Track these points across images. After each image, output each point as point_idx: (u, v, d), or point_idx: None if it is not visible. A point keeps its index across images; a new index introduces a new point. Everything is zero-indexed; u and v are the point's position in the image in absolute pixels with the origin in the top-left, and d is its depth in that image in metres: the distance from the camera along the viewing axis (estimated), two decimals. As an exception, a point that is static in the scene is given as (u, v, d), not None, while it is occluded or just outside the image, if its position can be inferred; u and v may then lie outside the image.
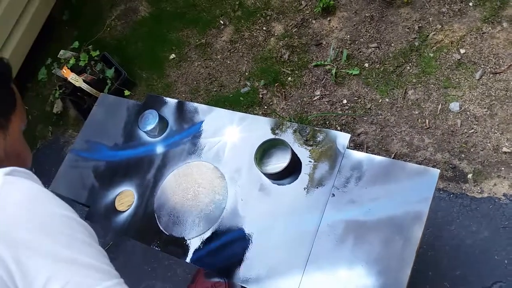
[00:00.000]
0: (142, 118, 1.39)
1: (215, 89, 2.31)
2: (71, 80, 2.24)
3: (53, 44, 2.92)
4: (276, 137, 1.22)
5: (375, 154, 1.79)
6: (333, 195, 1.09)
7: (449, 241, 1.56)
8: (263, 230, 1.12)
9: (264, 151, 1.20)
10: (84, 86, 2.26)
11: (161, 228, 1.24)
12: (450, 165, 1.68)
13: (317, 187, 1.11)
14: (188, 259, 1.17)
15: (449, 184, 1.66)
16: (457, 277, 1.50)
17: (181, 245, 1.19)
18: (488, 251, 1.50)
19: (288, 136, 1.22)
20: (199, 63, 2.42)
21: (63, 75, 2.27)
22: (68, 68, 2.26)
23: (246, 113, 2.03)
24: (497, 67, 1.76)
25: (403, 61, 1.93)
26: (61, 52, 2.48)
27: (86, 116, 2.41)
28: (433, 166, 1.73)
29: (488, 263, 1.49)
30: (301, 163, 1.16)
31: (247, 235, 1.13)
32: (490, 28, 1.83)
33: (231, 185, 1.22)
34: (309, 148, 1.17)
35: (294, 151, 1.16)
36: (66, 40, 2.88)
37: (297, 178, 1.15)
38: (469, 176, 1.64)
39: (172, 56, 2.51)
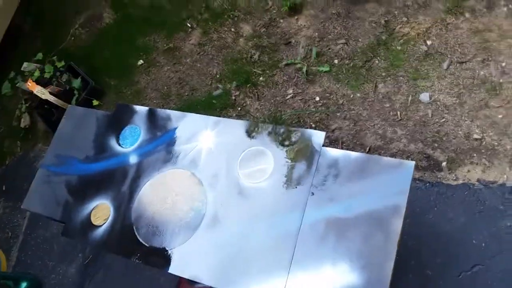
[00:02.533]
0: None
1: (186, 93, 2.28)
2: (37, 93, 2.17)
3: (16, 56, 2.82)
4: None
5: (350, 149, 1.81)
6: (312, 194, 1.08)
7: (428, 229, 1.58)
8: (245, 233, 1.11)
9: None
10: (51, 98, 2.19)
11: (141, 240, 1.21)
12: (424, 155, 1.70)
13: (296, 187, 1.11)
14: (170, 270, 1.14)
15: (424, 174, 1.68)
16: (438, 264, 1.53)
17: (162, 255, 1.17)
18: (466, 236, 1.53)
19: (263, 138, 1.21)
20: (169, 67, 2.39)
21: (28, 88, 2.20)
22: (33, 81, 2.19)
23: (220, 116, 2.02)
24: (463, 56, 1.80)
25: (372, 55, 1.95)
26: (25, 64, 2.40)
27: (55, 129, 2.34)
28: (408, 157, 1.76)
29: (467, 248, 1.52)
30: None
31: (229, 240, 1.12)
32: (453, 19, 1.87)
33: (210, 190, 1.20)
34: (286, 148, 1.17)
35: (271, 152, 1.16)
36: (29, 51, 2.78)
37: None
38: (443, 164, 1.67)
39: (140, 62, 2.47)
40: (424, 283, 1.51)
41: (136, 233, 1.23)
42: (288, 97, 2.02)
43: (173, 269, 1.15)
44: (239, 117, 2.07)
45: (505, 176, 1.58)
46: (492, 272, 1.45)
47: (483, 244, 1.51)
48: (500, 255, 1.47)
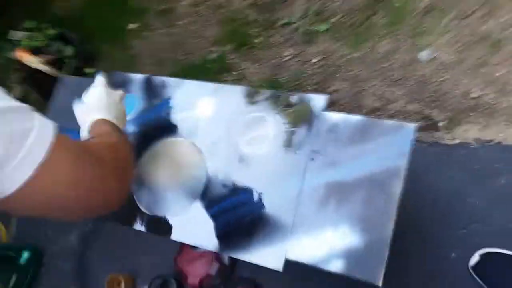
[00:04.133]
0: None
1: (181, 58, 2.24)
2: (27, 62, 2.12)
3: (3, 24, 2.74)
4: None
5: (348, 111, 1.80)
6: (312, 159, 1.09)
7: (425, 189, 1.61)
8: (245, 200, 1.12)
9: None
10: (42, 67, 2.15)
11: (142, 208, 1.22)
12: (422, 115, 1.70)
13: (296, 152, 1.11)
14: (172, 237, 1.16)
15: (422, 134, 1.68)
16: (436, 222, 1.56)
17: (164, 223, 1.18)
18: (463, 195, 1.56)
19: (262, 104, 1.20)
20: (162, 31, 2.33)
21: (18, 58, 2.15)
22: (23, 50, 2.14)
23: (216, 80, 1.99)
24: (463, 12, 1.76)
25: (371, 13, 1.90)
26: (11, 32, 2.33)
27: (48, 98, 2.31)
28: (405, 118, 1.76)
29: (464, 206, 1.55)
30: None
31: (230, 206, 1.13)
32: (453, -28, 1.81)
33: (210, 158, 1.20)
34: (285, 113, 1.16)
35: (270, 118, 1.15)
36: (17, 18, 2.69)
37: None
38: (441, 124, 1.67)
39: (133, 26, 2.40)
40: (421, 242, 1.55)
41: (137, 202, 1.24)
42: (285, 59, 1.99)
43: (175, 236, 1.17)
44: (235, 81, 2.05)
45: (501, 135, 1.58)
46: (488, 229, 1.48)
47: (478, 202, 1.54)
48: (496, 212, 1.50)
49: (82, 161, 0.69)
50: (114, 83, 1.41)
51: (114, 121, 1.02)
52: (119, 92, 1.15)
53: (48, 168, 0.60)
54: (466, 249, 1.47)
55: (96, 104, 1.06)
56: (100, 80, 1.14)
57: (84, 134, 1.02)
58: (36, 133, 0.60)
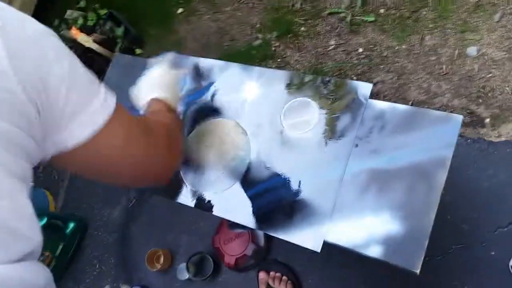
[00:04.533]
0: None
1: (226, 44, 2.28)
2: (80, 41, 2.22)
3: (60, 4, 2.86)
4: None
5: (392, 102, 1.79)
6: (356, 145, 1.10)
7: (467, 184, 1.59)
8: (287, 182, 1.15)
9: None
10: (95, 46, 2.24)
11: (187, 185, 1.27)
12: (468, 111, 1.67)
13: (339, 138, 1.13)
14: (214, 212, 1.21)
15: (466, 129, 1.66)
16: (475, 219, 1.54)
17: (207, 199, 1.23)
18: (505, 194, 1.53)
19: (308, 89, 1.22)
20: (208, 16, 2.38)
21: (72, 36, 2.25)
22: (77, 29, 2.23)
23: (260, 66, 2.02)
24: (518, 7, 1.71)
25: (420, 5, 1.87)
26: (68, 12, 2.44)
27: (98, 76, 2.41)
28: (451, 112, 1.73)
29: (505, 205, 1.52)
30: (323, 115, 1.17)
31: (272, 187, 1.16)
32: (510, -34, 1.76)
33: (253, 140, 1.24)
34: (331, 99, 1.18)
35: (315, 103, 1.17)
36: (70, -1, 2.82)
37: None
38: (487, 120, 1.64)
39: (180, 10, 2.46)
40: (459, 237, 1.54)
41: (183, 178, 1.29)
42: (330, 48, 1.99)
43: (217, 211, 1.21)
44: (278, 68, 2.07)
45: (551, 134, 1.54)
46: (530, 229, 1.46)
47: (522, 202, 1.51)
48: (540, 212, 1.47)
49: (137, 133, 0.74)
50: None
51: (169, 100, 1.07)
52: (181, 72, 1.19)
53: (107, 132, 0.64)
54: (506, 248, 1.45)
55: (157, 82, 1.11)
56: (168, 58, 1.18)
57: (140, 111, 1.07)
58: (102, 97, 0.65)
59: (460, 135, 1.65)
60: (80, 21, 2.35)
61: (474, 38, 1.74)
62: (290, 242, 1.08)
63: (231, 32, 2.28)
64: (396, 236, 1.00)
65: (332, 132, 1.14)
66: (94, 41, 2.24)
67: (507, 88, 1.64)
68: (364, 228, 1.03)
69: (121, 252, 2.11)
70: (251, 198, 1.18)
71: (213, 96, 1.35)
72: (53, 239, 2.13)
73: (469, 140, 1.64)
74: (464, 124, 1.66)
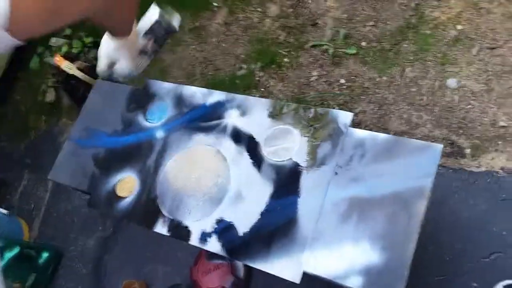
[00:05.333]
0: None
1: (210, 73, 2.30)
2: (64, 68, 2.21)
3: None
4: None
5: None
6: (336, 173, 1.09)
7: (448, 215, 1.58)
8: (266, 210, 1.13)
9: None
10: (78, 74, 2.23)
11: (165, 213, 1.24)
12: (449, 141, 1.69)
13: (320, 166, 1.12)
14: (192, 242, 1.17)
15: (447, 160, 1.67)
16: (457, 250, 1.52)
17: (185, 228, 1.20)
18: (487, 224, 1.53)
19: (289, 117, 1.22)
20: (194, 46, 2.40)
21: (56, 63, 2.24)
22: (61, 56, 2.23)
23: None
24: (494, 42, 1.76)
25: (400, 39, 1.92)
26: (53, 39, 2.44)
27: (80, 104, 2.38)
28: (432, 143, 1.74)
29: (487, 235, 1.51)
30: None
31: (250, 216, 1.14)
32: (487, 3, 1.82)
33: (233, 167, 1.22)
34: (311, 128, 1.18)
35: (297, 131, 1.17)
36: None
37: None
38: (467, 151, 1.66)
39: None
40: (441, 268, 1.52)
41: (160, 206, 1.26)
42: (313, 79, 2.01)
43: (194, 241, 1.18)
44: (262, 98, 2.08)
45: (531, 165, 1.56)
46: (512, 260, 1.45)
47: (504, 232, 1.50)
48: (522, 243, 1.46)
49: None
50: (147, 90, 1.46)
51: None
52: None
53: None
54: (488, 279, 1.43)
55: None
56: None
57: None
58: None
59: (442, 165, 1.66)
60: (65, 49, 2.35)
61: (454, 71, 1.78)
62: (269, 273, 1.05)
63: (215, 62, 2.30)
64: (376, 267, 0.97)
65: (312, 160, 1.13)
66: (78, 68, 2.23)
67: (486, 119, 1.67)
68: (344, 258, 1.01)
69: (95, 284, 2.04)
70: (229, 227, 1.15)
71: (194, 122, 1.34)
72: (24, 269, 2.06)
73: (450, 171, 1.64)
74: (445, 155, 1.67)
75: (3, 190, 2.59)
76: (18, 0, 0.68)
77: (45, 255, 2.14)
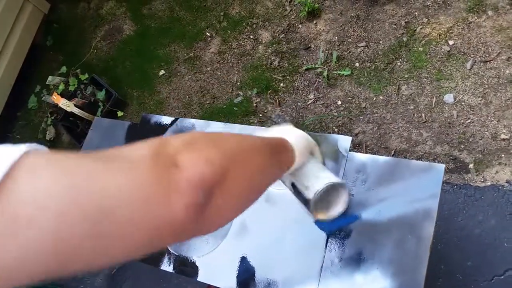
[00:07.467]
0: None
1: (208, 102, 2.30)
2: (62, 106, 2.22)
3: (41, 71, 2.90)
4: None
5: (374, 152, 1.80)
6: (341, 199, 1.08)
7: (458, 232, 1.55)
8: (273, 241, 1.11)
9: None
10: (76, 110, 2.24)
11: (170, 249, 1.22)
12: (451, 157, 1.68)
13: (323, 193, 1.10)
14: (199, 278, 1.15)
15: (451, 176, 1.65)
16: (469, 268, 1.49)
17: (191, 264, 1.17)
18: (498, 239, 1.50)
19: (288, 144, 1.21)
20: (189, 77, 2.42)
21: (53, 101, 2.25)
22: (58, 94, 2.24)
23: (242, 122, 2.02)
24: (487, 55, 1.77)
25: (393, 57, 1.93)
26: (49, 78, 2.46)
27: (80, 140, 2.39)
28: (434, 159, 1.74)
29: (499, 251, 1.48)
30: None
31: (258, 248, 1.11)
32: (476, 17, 1.84)
33: (236, 198, 1.21)
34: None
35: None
36: (53, 65, 2.86)
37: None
38: (471, 166, 1.64)
39: (162, 72, 2.50)
40: (454, 288, 1.49)
41: (164, 242, 1.23)
42: (310, 102, 2.02)
43: (202, 277, 1.15)
44: (260, 123, 2.08)
45: (536, 177, 1.54)
46: (527, 276, 1.41)
47: (516, 247, 1.47)
48: (535, 257, 1.43)
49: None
50: (145, 124, 1.46)
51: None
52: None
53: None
54: (504, 297, 1.40)
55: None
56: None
57: None
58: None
59: (446, 182, 1.64)
60: (61, 87, 2.37)
61: (450, 86, 1.79)
62: (279, 307, 1.02)
63: (212, 90, 2.31)
64: (389, 294, 0.95)
65: (315, 187, 1.12)
66: (76, 105, 2.24)
67: (487, 133, 1.66)
68: (354, 286, 0.98)
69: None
70: (236, 260, 1.13)
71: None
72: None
73: (455, 187, 1.63)
74: (449, 171, 1.66)
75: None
76: None
77: (52, 296, 2.10)
